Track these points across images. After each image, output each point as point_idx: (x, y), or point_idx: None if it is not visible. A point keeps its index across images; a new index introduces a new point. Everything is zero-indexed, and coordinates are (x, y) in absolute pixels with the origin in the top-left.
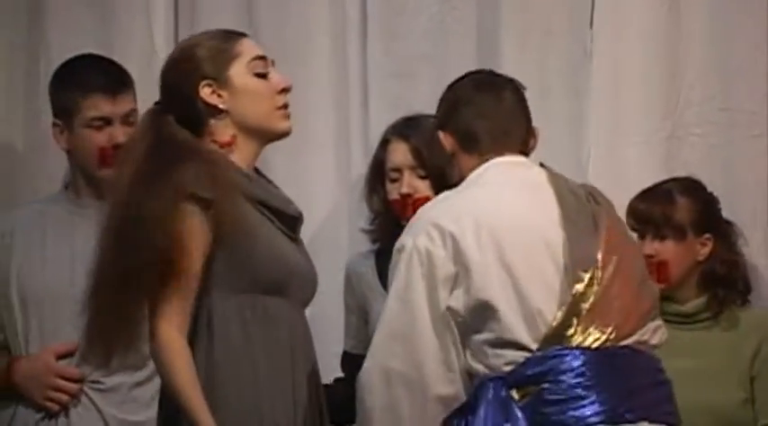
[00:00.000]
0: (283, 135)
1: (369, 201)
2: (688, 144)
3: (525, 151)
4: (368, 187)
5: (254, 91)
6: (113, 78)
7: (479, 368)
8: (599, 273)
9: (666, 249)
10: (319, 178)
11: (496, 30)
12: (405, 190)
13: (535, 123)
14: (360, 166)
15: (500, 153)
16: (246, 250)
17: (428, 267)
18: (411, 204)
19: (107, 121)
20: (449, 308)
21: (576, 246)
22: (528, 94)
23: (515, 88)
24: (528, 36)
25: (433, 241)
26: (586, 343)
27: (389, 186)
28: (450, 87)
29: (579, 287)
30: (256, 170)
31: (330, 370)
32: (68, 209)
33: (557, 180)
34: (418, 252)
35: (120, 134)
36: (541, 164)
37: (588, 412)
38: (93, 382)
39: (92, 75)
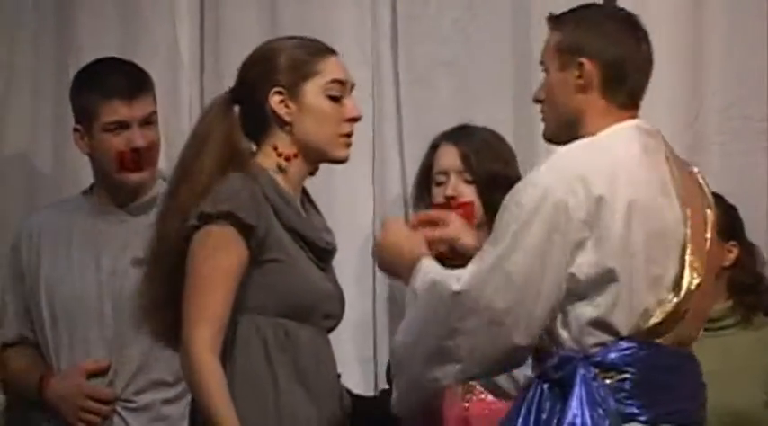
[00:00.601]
0: (340, 162)
1: (416, 210)
2: (709, 152)
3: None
4: (415, 195)
5: (322, 112)
6: (131, 82)
7: (565, 337)
8: (701, 276)
9: None
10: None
11: (526, 35)
12: (449, 192)
13: None
14: (384, 171)
15: (633, 115)
16: (278, 276)
17: (562, 224)
18: (454, 207)
19: (125, 125)
20: (570, 274)
21: (696, 246)
22: None
23: None
24: None
25: (576, 195)
26: (673, 342)
27: (435, 190)
28: (612, 17)
29: (690, 286)
30: (304, 190)
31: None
32: (92, 215)
33: (676, 162)
34: (555, 205)
35: (138, 137)
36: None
37: (663, 411)
38: (125, 401)
39: (109, 80)
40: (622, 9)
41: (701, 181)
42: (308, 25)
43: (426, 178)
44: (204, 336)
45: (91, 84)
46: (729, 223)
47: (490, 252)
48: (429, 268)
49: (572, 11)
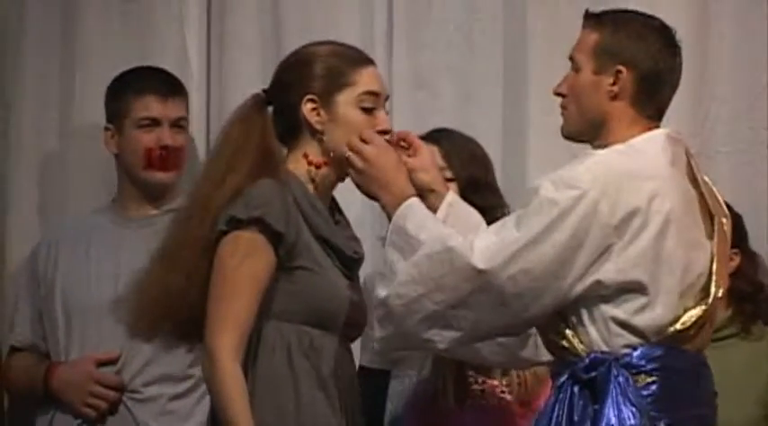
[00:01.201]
0: None
1: None
2: (715, 162)
3: None
4: None
5: (352, 124)
6: (166, 82)
7: (594, 337)
8: (724, 284)
9: None
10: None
11: (523, 40)
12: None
13: None
14: None
15: (658, 125)
16: (305, 283)
17: (593, 227)
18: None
19: (156, 122)
20: (596, 280)
21: (720, 254)
22: (556, 106)
23: None
24: (555, 47)
25: (610, 201)
26: (695, 348)
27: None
28: (652, 27)
29: (716, 294)
30: (333, 198)
31: None
32: (114, 222)
33: (699, 171)
34: (589, 207)
35: (167, 136)
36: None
37: (685, 416)
38: (132, 392)
39: (146, 78)
40: (658, 19)
41: (714, 189)
42: (311, 34)
43: None
44: (229, 344)
45: (126, 84)
46: (734, 231)
47: (514, 234)
48: (426, 217)
49: (612, 12)
